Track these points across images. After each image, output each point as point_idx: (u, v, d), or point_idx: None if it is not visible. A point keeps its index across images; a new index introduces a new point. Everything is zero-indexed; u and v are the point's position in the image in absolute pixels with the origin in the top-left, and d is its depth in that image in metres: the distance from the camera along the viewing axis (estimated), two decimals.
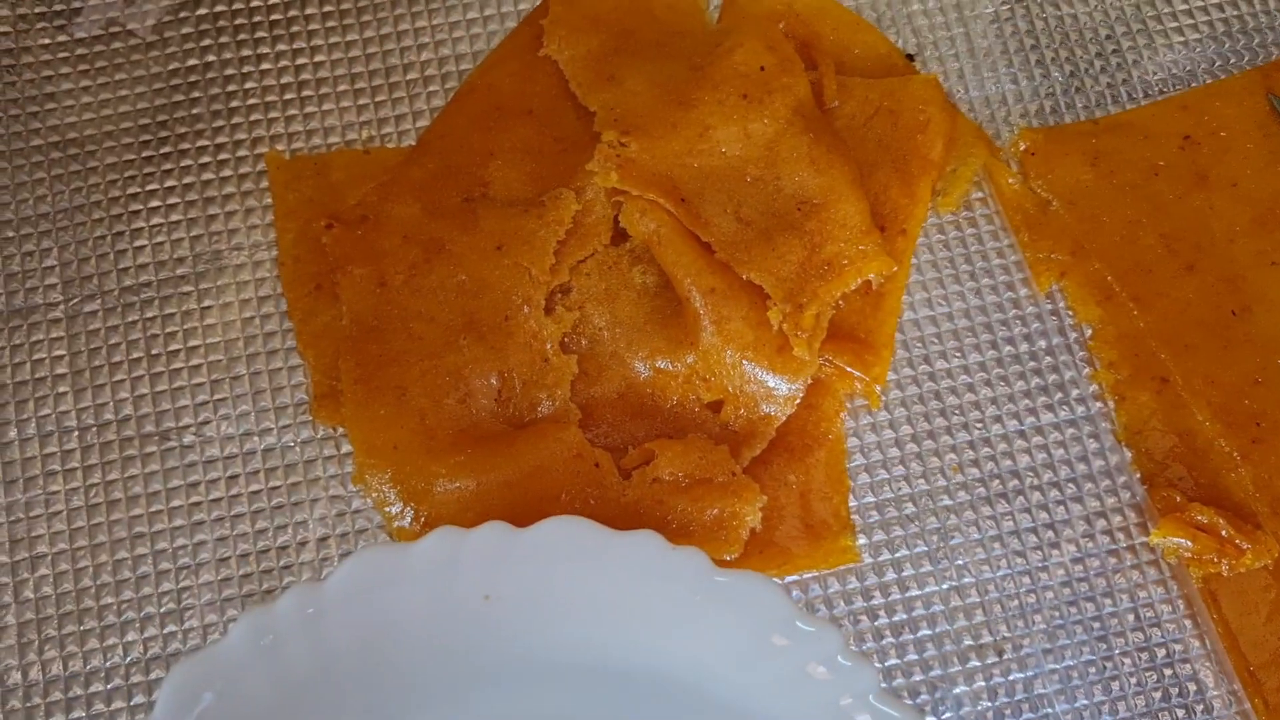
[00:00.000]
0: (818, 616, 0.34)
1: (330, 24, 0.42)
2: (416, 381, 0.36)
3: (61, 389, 0.38)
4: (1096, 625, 0.35)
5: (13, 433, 0.37)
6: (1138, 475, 0.37)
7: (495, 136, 0.40)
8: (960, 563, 0.36)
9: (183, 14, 0.42)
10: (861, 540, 0.36)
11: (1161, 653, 0.35)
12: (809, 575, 0.36)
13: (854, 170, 0.38)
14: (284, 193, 0.40)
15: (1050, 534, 0.36)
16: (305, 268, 0.39)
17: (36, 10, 0.42)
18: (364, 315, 0.37)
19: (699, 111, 0.37)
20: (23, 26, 0.42)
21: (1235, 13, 0.43)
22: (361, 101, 0.41)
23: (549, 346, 0.36)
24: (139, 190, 0.40)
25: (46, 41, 0.42)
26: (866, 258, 0.36)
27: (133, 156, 0.40)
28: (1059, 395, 0.38)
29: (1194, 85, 0.42)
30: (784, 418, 0.36)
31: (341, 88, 0.41)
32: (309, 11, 0.42)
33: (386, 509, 0.35)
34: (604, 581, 0.30)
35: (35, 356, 0.38)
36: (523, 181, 0.39)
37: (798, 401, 0.36)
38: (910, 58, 0.42)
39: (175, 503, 0.36)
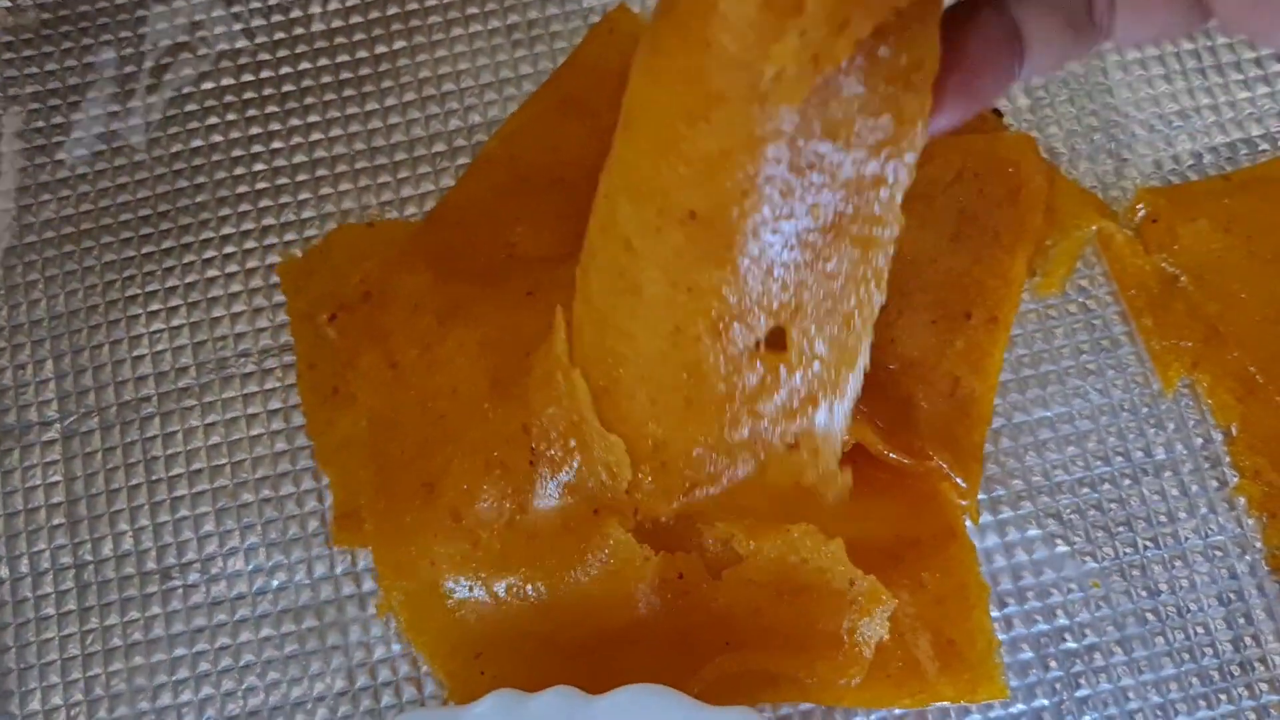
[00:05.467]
0: None
1: (333, 96, 0.38)
2: (443, 471, 0.31)
3: (56, 521, 0.34)
4: None
5: (4, 571, 0.33)
6: None
7: (522, 202, 0.35)
8: None
9: (189, 107, 0.38)
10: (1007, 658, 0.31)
11: None
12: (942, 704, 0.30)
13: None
14: (296, 296, 0.36)
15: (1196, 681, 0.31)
16: (320, 373, 0.35)
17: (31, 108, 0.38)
18: (380, 410, 0.33)
19: None
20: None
21: None
22: (382, 179, 0.37)
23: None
24: (139, 292, 0.36)
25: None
26: None
27: (132, 254, 0.37)
28: (1204, 510, 0.33)
29: None
30: None
31: (360, 164, 0.37)
32: (311, 91, 0.38)
33: (419, 638, 0.31)
34: None
35: (28, 484, 0.35)
36: (555, 242, 0.34)
37: None
38: (998, 113, 0.37)
39: (179, 652, 0.33)
